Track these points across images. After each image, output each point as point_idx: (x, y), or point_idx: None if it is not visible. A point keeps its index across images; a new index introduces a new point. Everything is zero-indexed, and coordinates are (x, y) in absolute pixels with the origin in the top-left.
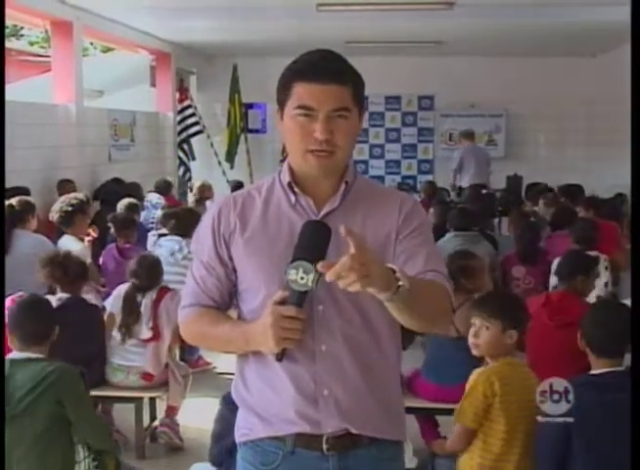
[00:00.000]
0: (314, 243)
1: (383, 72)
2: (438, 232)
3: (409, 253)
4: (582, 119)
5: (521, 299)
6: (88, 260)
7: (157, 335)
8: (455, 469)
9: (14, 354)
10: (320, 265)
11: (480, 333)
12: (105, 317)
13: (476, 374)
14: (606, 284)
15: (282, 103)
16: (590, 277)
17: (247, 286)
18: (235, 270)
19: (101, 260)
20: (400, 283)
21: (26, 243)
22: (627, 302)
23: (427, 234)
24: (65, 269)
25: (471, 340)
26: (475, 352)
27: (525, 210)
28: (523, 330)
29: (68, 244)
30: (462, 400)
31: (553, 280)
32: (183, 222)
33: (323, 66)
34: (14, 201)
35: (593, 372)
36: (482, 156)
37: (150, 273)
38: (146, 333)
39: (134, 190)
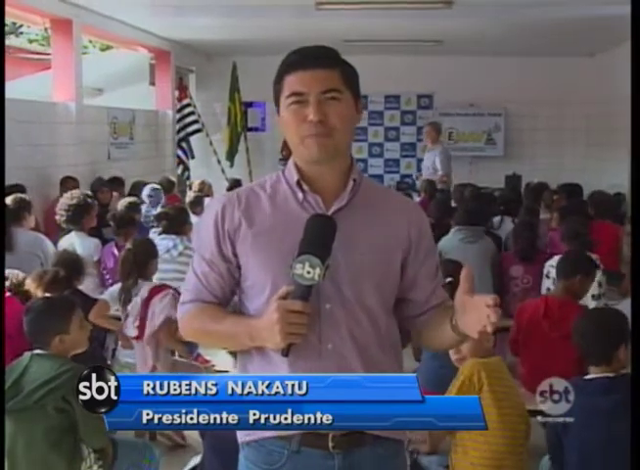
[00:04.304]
0: (320, 237)
1: (382, 71)
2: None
3: (430, 287)
4: (581, 119)
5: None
6: (97, 256)
7: (141, 334)
8: (443, 463)
9: (37, 350)
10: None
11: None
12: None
13: (461, 368)
14: (600, 284)
15: (277, 99)
16: (589, 278)
17: (252, 282)
18: (239, 267)
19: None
20: None
21: (23, 241)
22: (627, 301)
23: (435, 254)
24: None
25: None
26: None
27: (533, 207)
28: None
29: (79, 240)
30: (447, 393)
31: (547, 283)
32: (174, 222)
33: (309, 54)
34: (8, 199)
35: (586, 377)
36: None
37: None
38: (132, 331)
39: (138, 189)
